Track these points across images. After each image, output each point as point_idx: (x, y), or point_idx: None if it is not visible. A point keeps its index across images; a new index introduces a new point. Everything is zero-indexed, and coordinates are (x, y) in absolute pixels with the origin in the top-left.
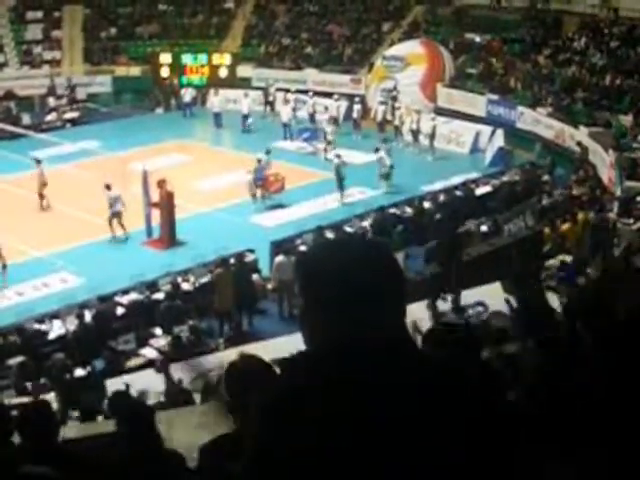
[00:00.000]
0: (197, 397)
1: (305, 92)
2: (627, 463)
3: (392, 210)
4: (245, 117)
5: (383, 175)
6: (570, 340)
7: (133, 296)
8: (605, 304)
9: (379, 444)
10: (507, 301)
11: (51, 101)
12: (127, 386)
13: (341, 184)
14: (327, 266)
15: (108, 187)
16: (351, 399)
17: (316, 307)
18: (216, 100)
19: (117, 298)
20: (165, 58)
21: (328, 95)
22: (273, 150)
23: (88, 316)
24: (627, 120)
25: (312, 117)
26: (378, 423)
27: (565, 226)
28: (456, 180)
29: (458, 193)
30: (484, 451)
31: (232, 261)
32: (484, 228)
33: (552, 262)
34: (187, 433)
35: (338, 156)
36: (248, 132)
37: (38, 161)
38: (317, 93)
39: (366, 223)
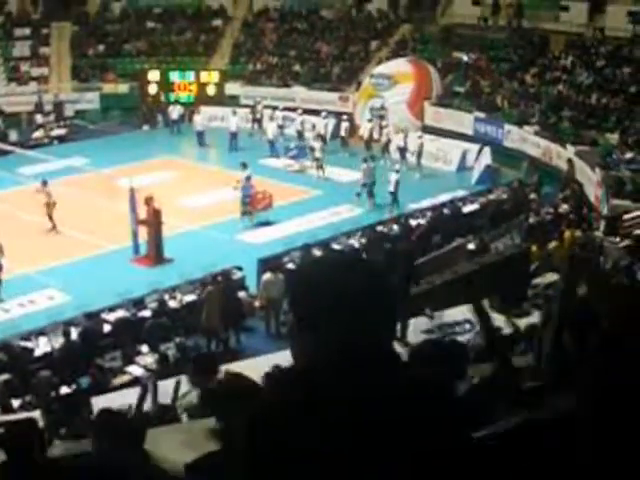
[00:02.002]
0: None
1: (293, 110)
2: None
3: (379, 228)
4: (233, 135)
5: (366, 191)
6: (555, 356)
7: (120, 313)
8: (593, 318)
9: (363, 459)
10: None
11: (38, 118)
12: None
13: (395, 197)
14: (318, 283)
15: None
16: (337, 415)
17: (306, 323)
18: (198, 119)
19: (104, 315)
20: (153, 75)
21: (316, 113)
22: (261, 168)
23: (74, 333)
24: (613, 138)
25: (300, 134)
26: (364, 438)
27: (552, 244)
28: (443, 198)
29: (445, 211)
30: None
31: (219, 278)
32: (471, 246)
33: (539, 280)
34: (173, 451)
35: (397, 171)
36: (235, 150)
37: (44, 182)
38: (305, 111)
39: (353, 241)
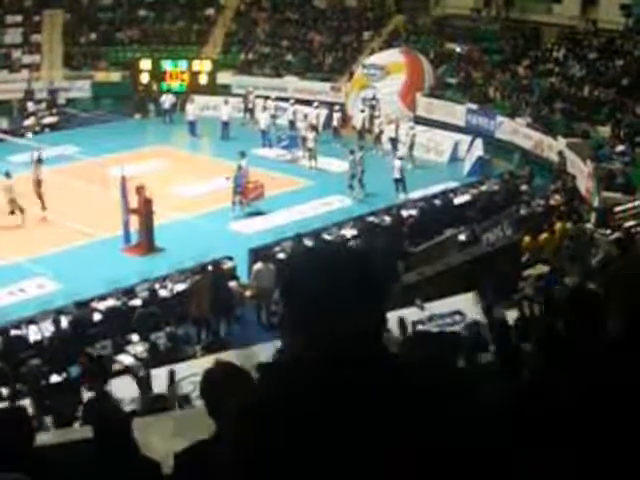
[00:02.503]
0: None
1: (285, 100)
2: (595, 465)
3: (370, 218)
4: (225, 124)
5: (356, 180)
6: (546, 345)
7: (110, 302)
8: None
9: (352, 451)
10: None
11: (30, 106)
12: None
13: (404, 183)
14: (308, 274)
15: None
16: (327, 406)
17: (296, 313)
18: (190, 108)
19: (94, 304)
20: (145, 64)
21: (308, 103)
22: (253, 157)
23: (65, 322)
24: (605, 131)
25: (292, 124)
26: (353, 431)
27: (543, 236)
28: (435, 189)
29: (437, 202)
30: (452, 458)
31: (210, 268)
32: (462, 237)
33: (530, 272)
34: (163, 440)
35: (401, 158)
36: (227, 139)
37: (40, 160)
38: (297, 101)
39: (345, 231)
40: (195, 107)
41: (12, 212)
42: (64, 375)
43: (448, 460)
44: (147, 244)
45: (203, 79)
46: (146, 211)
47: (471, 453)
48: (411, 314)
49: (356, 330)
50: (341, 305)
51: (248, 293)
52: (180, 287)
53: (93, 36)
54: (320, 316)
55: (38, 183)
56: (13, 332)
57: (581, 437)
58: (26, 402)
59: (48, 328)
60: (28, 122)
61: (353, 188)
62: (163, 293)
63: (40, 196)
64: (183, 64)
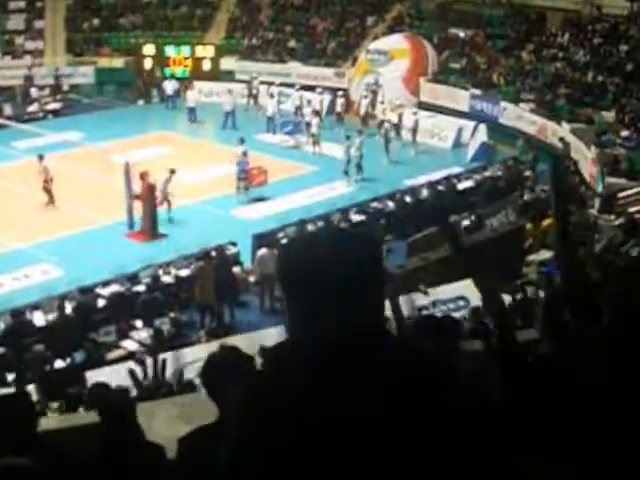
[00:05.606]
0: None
1: (290, 85)
2: (595, 464)
3: (374, 204)
4: (227, 114)
5: (354, 165)
6: (547, 337)
7: (114, 288)
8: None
9: (352, 440)
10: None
11: (33, 92)
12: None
13: (387, 146)
14: (305, 260)
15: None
16: (327, 395)
17: (294, 300)
18: (190, 94)
19: (98, 290)
20: (148, 50)
21: (311, 88)
22: (256, 143)
23: (69, 308)
24: (609, 116)
25: (298, 110)
26: (352, 419)
27: (546, 222)
28: (438, 175)
29: (440, 188)
30: (461, 446)
31: (213, 254)
32: (466, 223)
33: (533, 257)
34: (167, 425)
35: (389, 121)
36: (234, 128)
37: (40, 157)
38: (300, 86)
39: (348, 216)
40: (195, 93)
41: (48, 191)
42: (68, 360)
43: (451, 454)
44: (151, 230)
45: (206, 65)
46: (150, 197)
47: (475, 447)
48: (415, 299)
49: (356, 317)
50: (340, 292)
51: (252, 279)
52: (184, 273)
53: (96, 22)
54: (318, 303)
55: (46, 180)
56: (17, 318)
57: (583, 431)
58: (31, 388)
59: (52, 314)
60: (31, 108)
61: (348, 174)
62: (167, 279)
63: (49, 191)
64: (186, 50)
